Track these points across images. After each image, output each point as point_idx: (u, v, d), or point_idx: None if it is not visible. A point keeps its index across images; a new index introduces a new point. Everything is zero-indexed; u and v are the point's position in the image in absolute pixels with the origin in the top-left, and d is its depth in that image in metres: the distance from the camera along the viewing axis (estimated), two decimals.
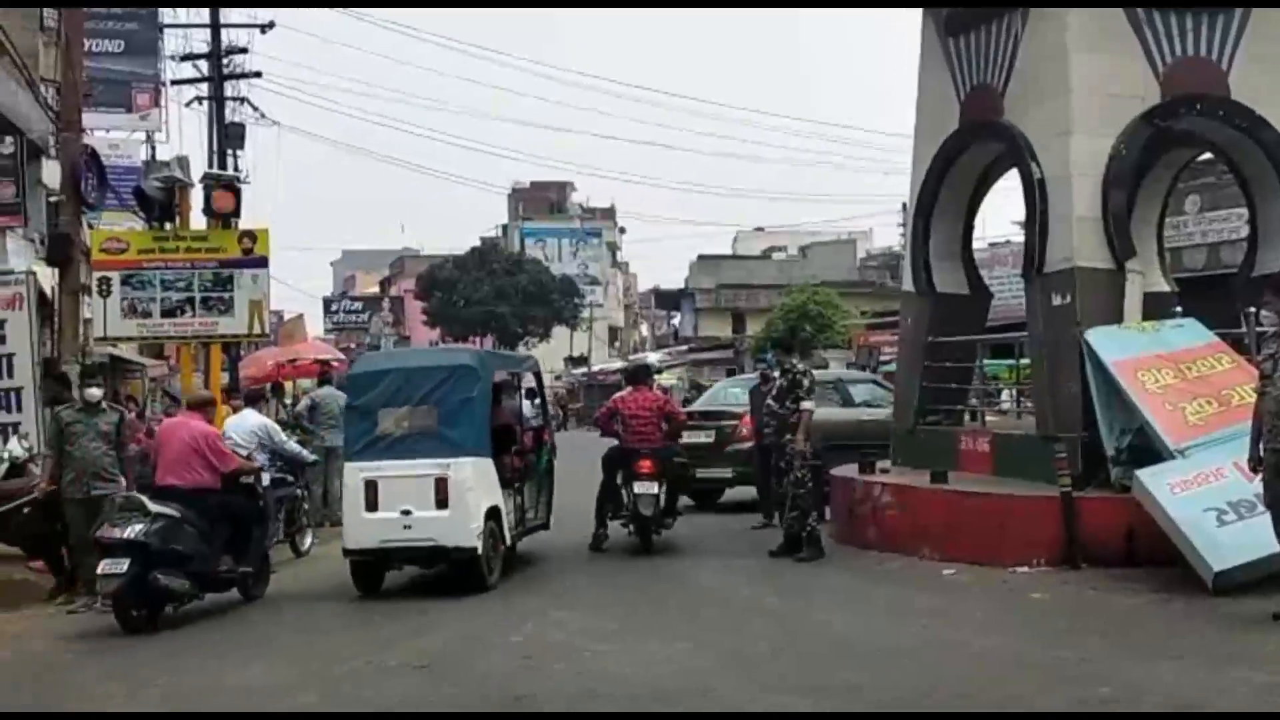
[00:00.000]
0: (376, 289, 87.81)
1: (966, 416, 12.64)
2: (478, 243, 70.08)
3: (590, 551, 11.78)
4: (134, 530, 8.64)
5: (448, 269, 62.99)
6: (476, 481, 9.95)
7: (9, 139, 15.38)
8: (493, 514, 10.16)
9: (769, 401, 11.51)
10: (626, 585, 10.33)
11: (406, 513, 9.75)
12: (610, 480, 11.93)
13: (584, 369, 63.58)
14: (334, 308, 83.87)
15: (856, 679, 6.79)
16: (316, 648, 8.17)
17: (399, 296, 79.37)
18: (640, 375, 12.72)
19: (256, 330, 15.55)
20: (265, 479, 10.68)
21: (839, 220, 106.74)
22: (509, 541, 10.72)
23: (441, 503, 9.70)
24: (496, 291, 60.05)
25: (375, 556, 10.06)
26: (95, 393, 10.05)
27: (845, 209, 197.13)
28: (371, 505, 9.87)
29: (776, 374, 11.82)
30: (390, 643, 8.08)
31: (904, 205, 33.65)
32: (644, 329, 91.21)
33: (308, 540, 12.88)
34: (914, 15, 12.78)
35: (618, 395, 12.54)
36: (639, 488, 11.47)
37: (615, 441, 12.08)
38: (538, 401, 13.37)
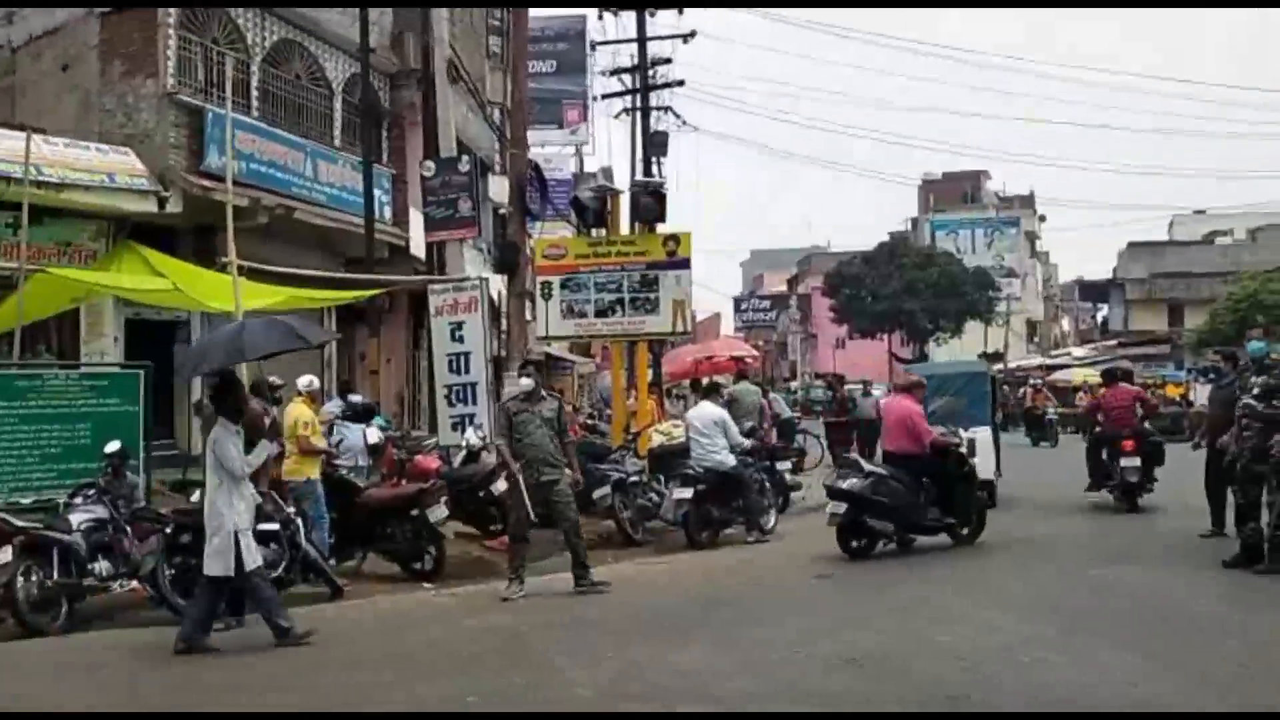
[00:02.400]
0: (784, 287, 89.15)
1: None
2: (886, 238, 69.32)
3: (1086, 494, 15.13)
4: (849, 483, 11.59)
5: (855, 265, 62.72)
6: (990, 443, 14.93)
7: (465, 158, 16.97)
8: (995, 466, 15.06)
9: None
10: (1062, 590, 9.83)
11: None
12: (1096, 457, 15.19)
13: (1000, 365, 61.27)
14: (743, 306, 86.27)
15: None
16: (747, 631, 8.36)
17: (806, 294, 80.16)
18: (1112, 376, 16.19)
19: (680, 328, 16.28)
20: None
21: None
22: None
23: (971, 454, 13.11)
24: (906, 286, 59.06)
25: None
26: (526, 382, 10.58)
27: None
28: None
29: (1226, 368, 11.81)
30: (818, 635, 8.12)
31: None
32: (1065, 323, 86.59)
33: (771, 520, 13.55)
34: None
35: (1099, 393, 16.53)
36: (1124, 462, 14.51)
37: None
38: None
